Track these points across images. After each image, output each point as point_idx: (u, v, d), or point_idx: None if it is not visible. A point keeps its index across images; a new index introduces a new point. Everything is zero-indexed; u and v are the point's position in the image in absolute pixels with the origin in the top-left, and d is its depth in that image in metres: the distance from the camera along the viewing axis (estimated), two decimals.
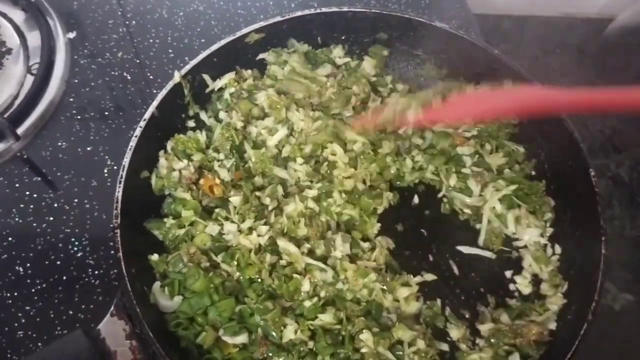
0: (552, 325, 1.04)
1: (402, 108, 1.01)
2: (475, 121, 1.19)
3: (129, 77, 1.37)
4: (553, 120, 1.12)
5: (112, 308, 0.93)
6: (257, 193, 1.10)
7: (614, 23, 1.61)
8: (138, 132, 1.04)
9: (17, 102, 1.26)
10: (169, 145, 1.13)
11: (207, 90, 1.19)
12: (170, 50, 1.40)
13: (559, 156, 1.15)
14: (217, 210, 1.08)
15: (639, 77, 1.47)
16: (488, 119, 1.18)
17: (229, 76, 1.19)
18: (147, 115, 1.06)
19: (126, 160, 1.02)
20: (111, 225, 0.99)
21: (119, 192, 1.00)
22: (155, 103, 1.07)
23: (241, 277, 1.01)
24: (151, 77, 1.37)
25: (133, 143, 1.03)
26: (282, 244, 1.03)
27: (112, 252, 1.14)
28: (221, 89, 1.19)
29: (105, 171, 1.23)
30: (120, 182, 1.00)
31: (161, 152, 1.12)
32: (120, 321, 0.91)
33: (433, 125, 1.18)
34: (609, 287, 1.29)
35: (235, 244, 1.03)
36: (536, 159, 1.20)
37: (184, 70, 1.12)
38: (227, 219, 1.07)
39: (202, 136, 1.15)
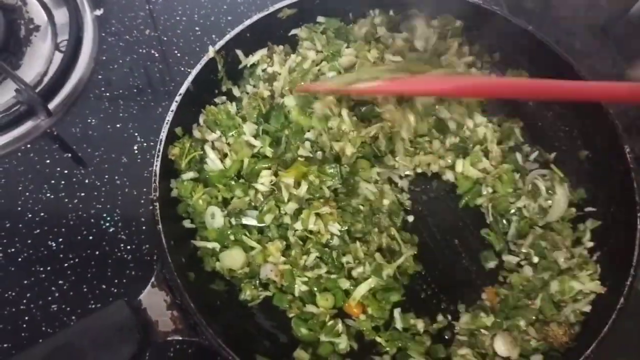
0: (587, 308, 1.02)
1: (351, 80, 1.05)
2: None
3: (156, 55, 1.36)
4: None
5: (152, 279, 0.93)
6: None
7: (638, 3, 1.59)
8: (174, 106, 1.04)
9: (46, 79, 1.26)
10: (202, 118, 1.13)
11: (240, 66, 1.19)
12: (197, 28, 1.40)
13: (594, 134, 1.15)
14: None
15: None
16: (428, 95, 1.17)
17: (262, 52, 1.18)
18: (182, 90, 1.06)
19: (163, 134, 1.02)
20: (150, 198, 0.99)
21: (156, 166, 1.00)
22: (190, 78, 1.07)
23: None
24: (178, 54, 1.36)
25: (170, 117, 1.03)
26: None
27: (144, 227, 1.15)
28: (253, 65, 1.19)
29: (135, 148, 1.23)
30: (157, 156, 1.01)
31: (194, 125, 1.12)
32: (161, 292, 0.92)
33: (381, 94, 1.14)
34: None
35: None
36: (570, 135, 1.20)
37: (217, 46, 1.12)
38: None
39: (232, 107, 1.15)
